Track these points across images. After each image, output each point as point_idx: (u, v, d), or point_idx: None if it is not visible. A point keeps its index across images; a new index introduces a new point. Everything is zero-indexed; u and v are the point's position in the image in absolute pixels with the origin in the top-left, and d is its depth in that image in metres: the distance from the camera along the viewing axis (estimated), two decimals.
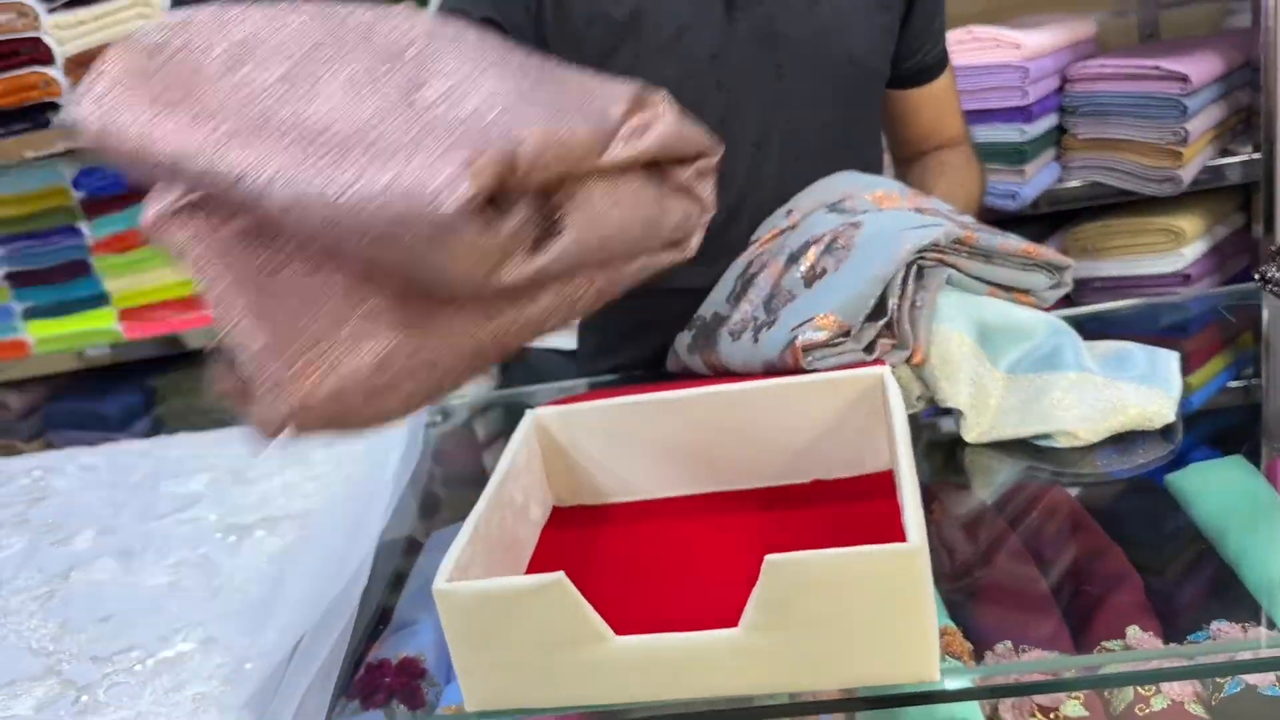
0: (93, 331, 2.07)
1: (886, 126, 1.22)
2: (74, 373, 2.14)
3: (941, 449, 0.86)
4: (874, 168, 1.17)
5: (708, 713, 0.58)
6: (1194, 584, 0.70)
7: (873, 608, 0.53)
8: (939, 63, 1.18)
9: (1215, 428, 0.86)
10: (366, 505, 0.91)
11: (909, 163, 1.25)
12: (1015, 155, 1.76)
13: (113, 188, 1.99)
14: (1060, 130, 1.83)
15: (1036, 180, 1.79)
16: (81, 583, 0.88)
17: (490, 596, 0.56)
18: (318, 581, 0.80)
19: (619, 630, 0.56)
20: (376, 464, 0.99)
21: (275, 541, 0.89)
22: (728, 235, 1.01)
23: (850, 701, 0.59)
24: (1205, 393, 0.91)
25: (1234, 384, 0.95)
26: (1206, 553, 0.70)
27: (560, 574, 0.55)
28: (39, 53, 1.88)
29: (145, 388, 2.11)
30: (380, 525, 0.87)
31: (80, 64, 1.87)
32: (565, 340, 1.96)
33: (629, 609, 0.61)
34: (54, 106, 1.91)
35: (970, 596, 0.69)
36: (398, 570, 0.88)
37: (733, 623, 0.55)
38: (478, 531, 0.63)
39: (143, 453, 1.14)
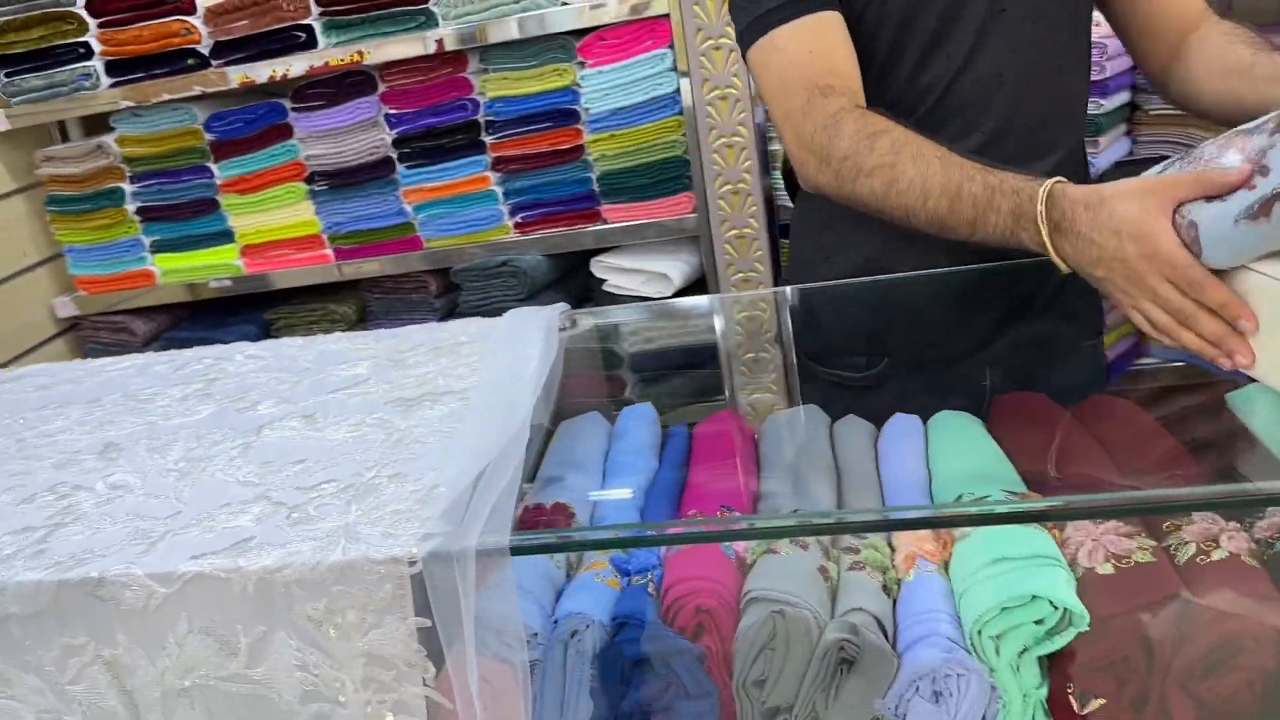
0: (215, 265, 2.24)
1: (1134, 36, 1.25)
2: (195, 303, 2.31)
3: None
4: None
5: None
6: None
7: None
8: None
9: None
10: (516, 387, 1.04)
11: (1173, 61, 1.22)
12: (1090, 127, 1.86)
13: (240, 131, 2.15)
14: (1132, 106, 1.93)
15: (1109, 152, 1.90)
16: (273, 438, 1.03)
17: None
18: (486, 436, 0.93)
19: None
20: (518, 358, 1.12)
21: (441, 409, 1.03)
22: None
23: None
24: None
25: None
26: None
27: None
28: (182, 2, 2.04)
29: (260, 320, 2.28)
30: (530, 403, 1.01)
31: (218, 14, 2.04)
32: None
33: None
34: (193, 53, 2.08)
35: None
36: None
37: None
38: None
39: (303, 346, 1.28)
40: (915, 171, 1.04)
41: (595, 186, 2.10)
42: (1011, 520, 0.78)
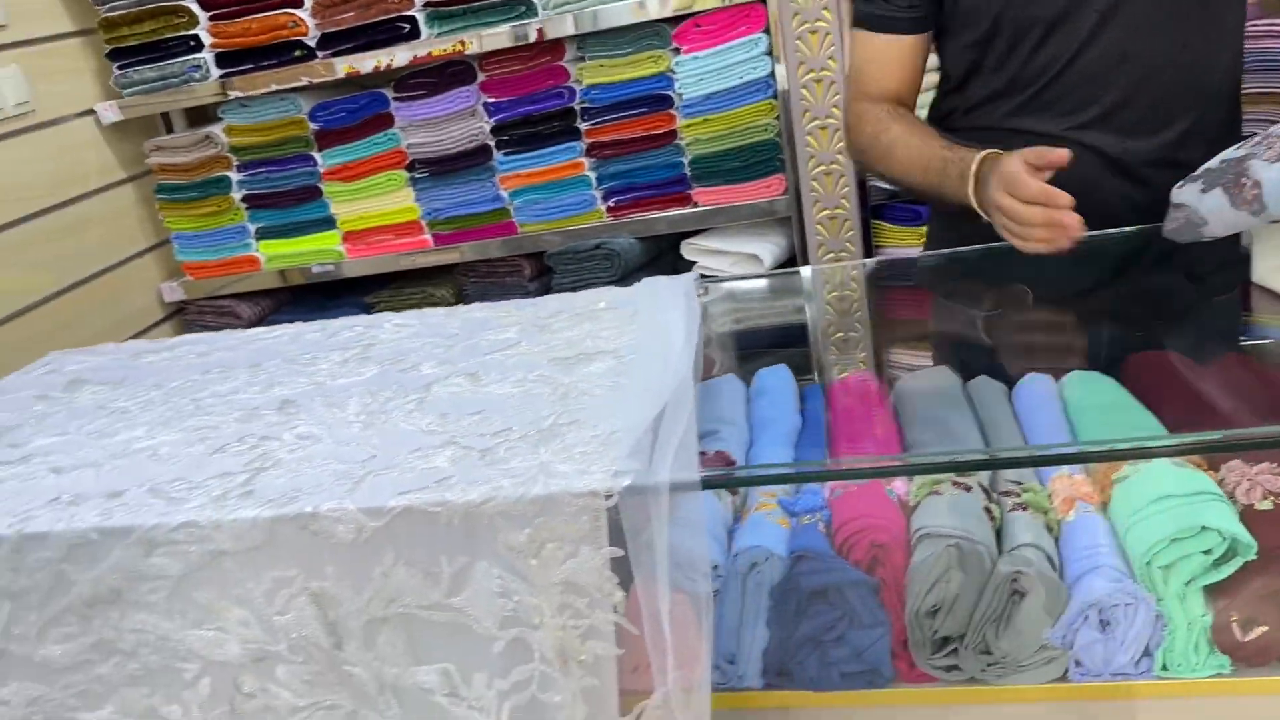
0: (318, 251, 2.31)
1: None
2: (298, 288, 2.39)
3: None
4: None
5: None
6: None
7: None
8: None
9: None
10: (669, 345, 1.10)
11: None
12: None
13: (343, 121, 2.22)
14: None
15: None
16: (442, 393, 1.08)
17: None
18: (652, 387, 0.99)
19: None
20: (664, 320, 1.18)
21: (599, 366, 1.08)
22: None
23: None
24: None
25: None
26: None
27: None
28: None
29: (361, 303, 2.35)
30: (689, 357, 1.06)
31: (326, 6, 2.11)
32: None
33: None
34: (300, 44, 2.15)
35: None
36: None
37: None
38: None
39: (447, 314, 1.35)
40: (904, 156, 1.35)
41: (687, 170, 2.15)
42: (1177, 453, 0.82)
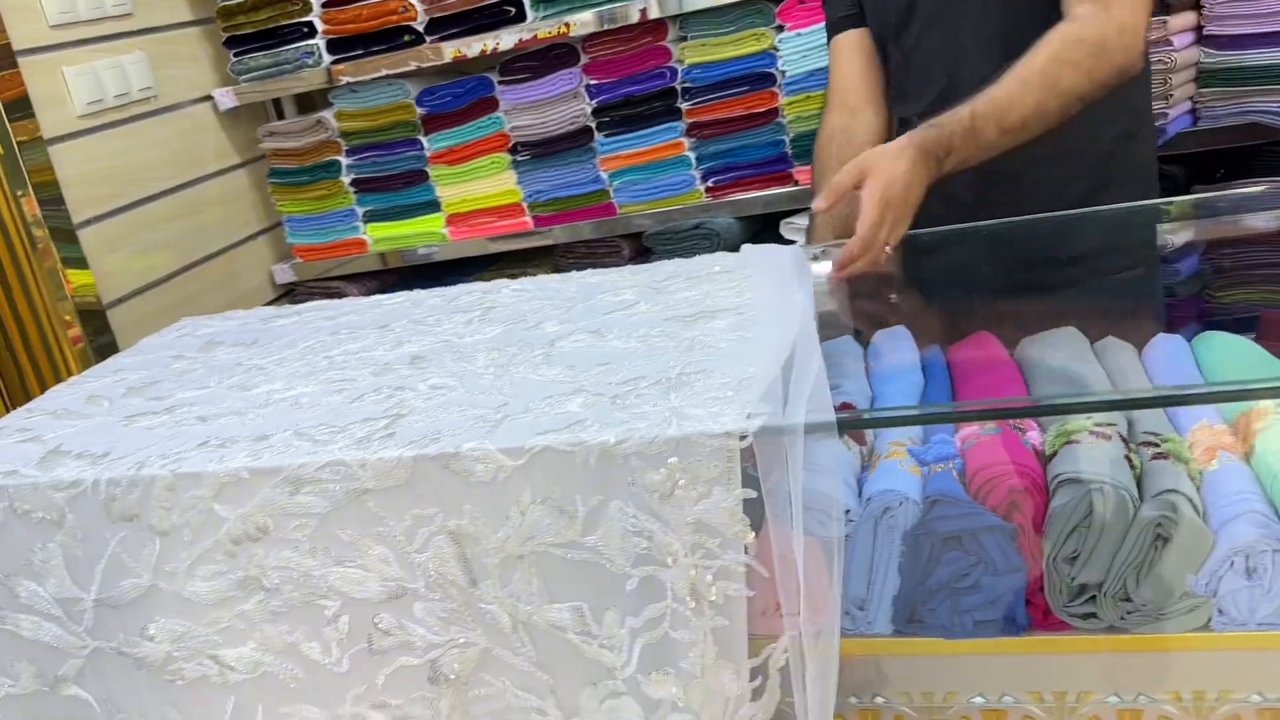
0: (423, 233, 2.37)
1: None
2: (399, 270, 2.45)
3: None
4: None
5: None
6: None
7: None
8: None
9: None
10: (790, 302, 1.11)
11: None
12: None
13: (449, 105, 2.27)
14: None
15: None
16: (567, 347, 1.11)
17: None
18: (777, 340, 1.00)
19: None
20: (781, 281, 1.19)
21: (722, 322, 1.09)
22: None
23: None
24: None
25: None
26: None
27: None
28: None
29: (465, 283, 2.40)
30: (810, 311, 1.07)
31: None
32: None
33: None
34: (408, 30, 2.21)
35: None
36: None
37: None
38: None
39: (563, 280, 1.37)
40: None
41: (788, 149, 2.15)
42: None
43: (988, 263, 1.41)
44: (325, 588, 0.97)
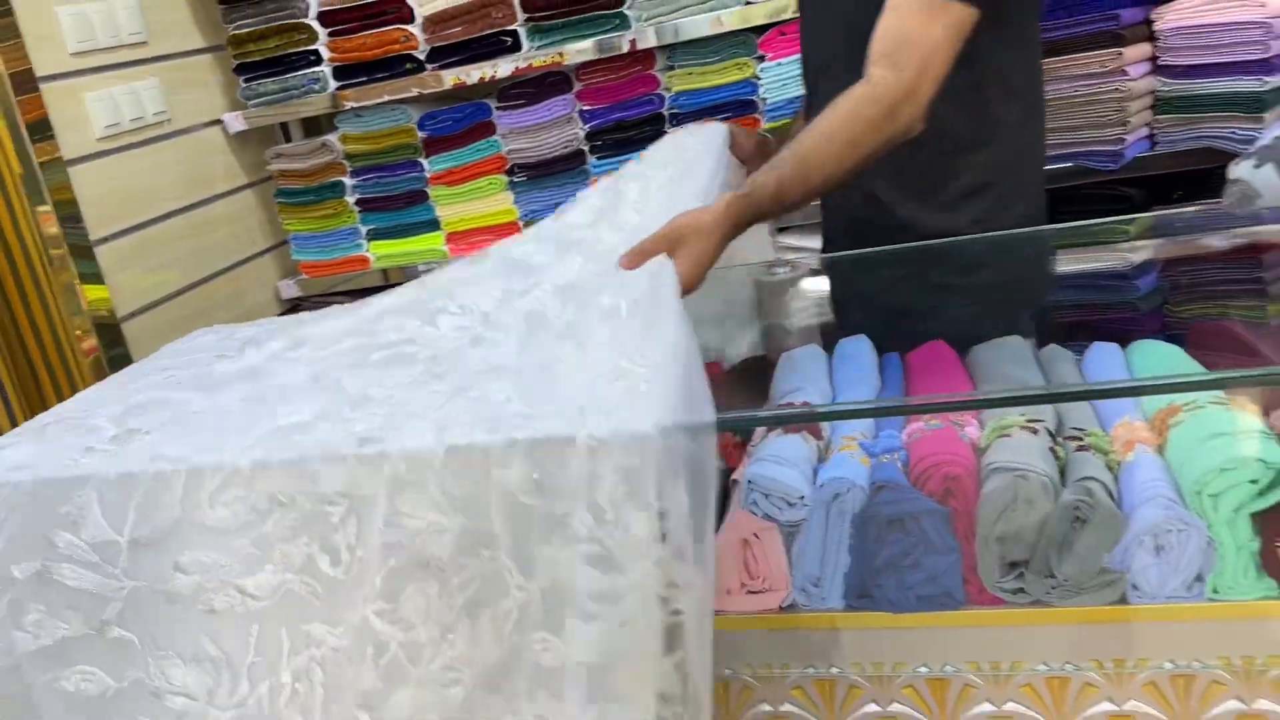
0: (424, 250, 2.47)
1: None
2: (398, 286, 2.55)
3: None
4: None
5: None
6: None
7: None
8: None
9: None
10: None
11: None
12: (1254, 104, 1.94)
13: (449, 129, 2.38)
14: None
15: (1272, 129, 1.97)
16: None
17: None
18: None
19: None
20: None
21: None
22: None
23: None
24: None
25: None
26: None
27: None
28: (402, 12, 2.29)
29: None
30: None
31: (436, 22, 2.28)
32: None
33: None
34: (410, 58, 2.32)
35: None
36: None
37: None
38: None
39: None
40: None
41: None
42: (1238, 383, 0.90)
43: (947, 276, 1.51)
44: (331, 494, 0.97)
